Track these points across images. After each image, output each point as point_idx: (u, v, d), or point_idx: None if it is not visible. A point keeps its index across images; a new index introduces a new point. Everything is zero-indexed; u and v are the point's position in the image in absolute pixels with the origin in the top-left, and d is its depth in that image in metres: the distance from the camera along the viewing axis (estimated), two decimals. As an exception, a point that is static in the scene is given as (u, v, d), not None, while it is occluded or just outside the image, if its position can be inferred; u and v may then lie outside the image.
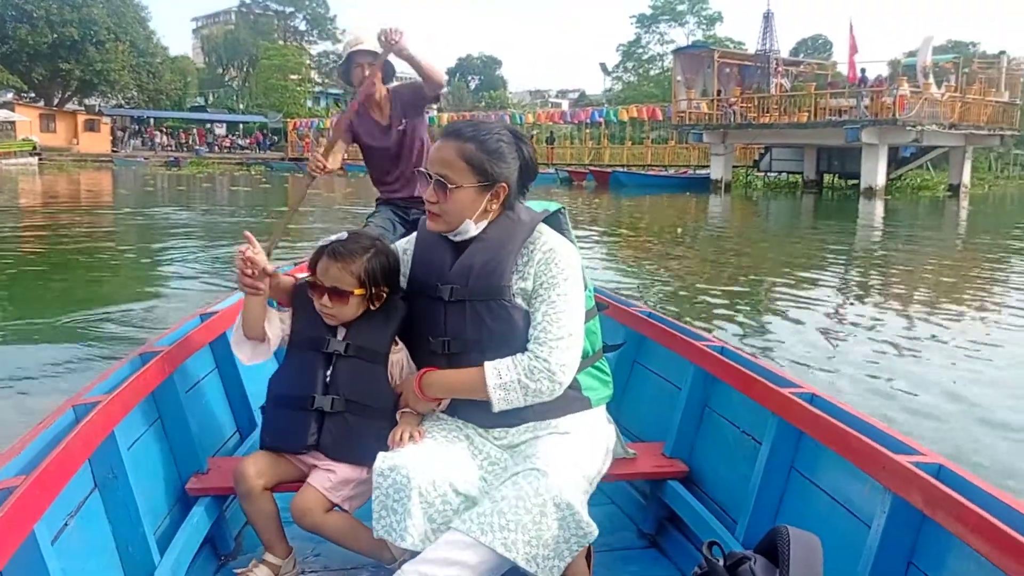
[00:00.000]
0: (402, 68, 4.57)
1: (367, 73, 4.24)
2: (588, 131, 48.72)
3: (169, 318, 6.73)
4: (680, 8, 69.29)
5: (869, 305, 9.24)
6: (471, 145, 2.01)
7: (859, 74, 29.81)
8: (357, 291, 2.15)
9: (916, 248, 15.41)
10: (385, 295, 2.20)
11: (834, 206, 27.27)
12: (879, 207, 25.37)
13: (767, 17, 34.70)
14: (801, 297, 9.37)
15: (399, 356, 2.26)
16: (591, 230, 16.93)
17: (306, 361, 2.22)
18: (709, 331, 5.84)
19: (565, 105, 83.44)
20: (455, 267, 2.08)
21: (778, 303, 9.01)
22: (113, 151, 57.69)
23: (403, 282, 2.24)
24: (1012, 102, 31.83)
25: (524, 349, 2.04)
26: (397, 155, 4.43)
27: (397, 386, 2.23)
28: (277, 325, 2.29)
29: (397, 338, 2.24)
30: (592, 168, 39.58)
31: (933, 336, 7.30)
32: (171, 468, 2.46)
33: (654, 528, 2.70)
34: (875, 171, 28.40)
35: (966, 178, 32.43)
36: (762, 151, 37.18)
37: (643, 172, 39.21)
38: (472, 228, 2.07)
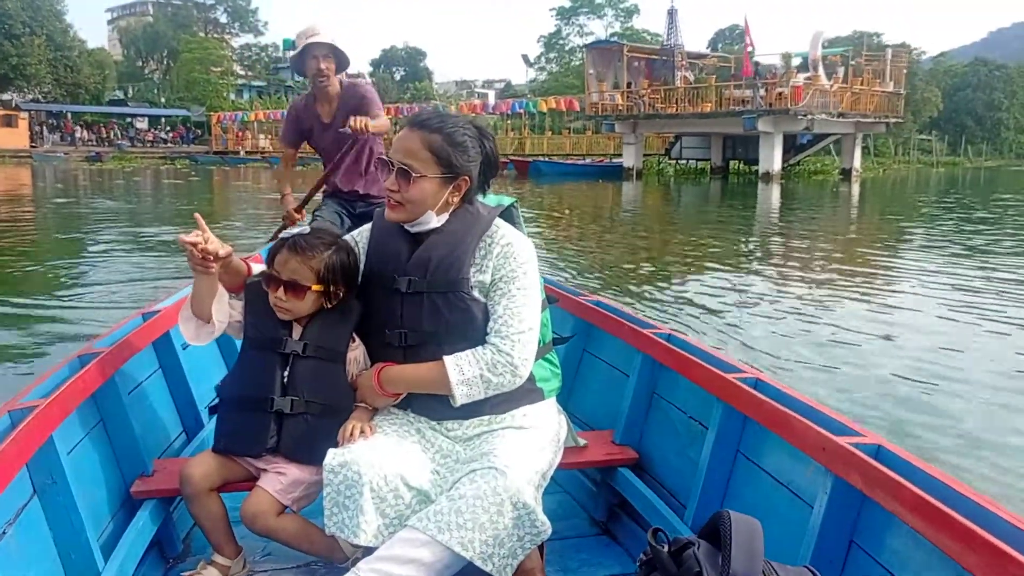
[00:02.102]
0: (355, 67, 5.25)
1: (322, 66, 4.25)
2: (509, 122, 50.36)
3: (109, 315, 6.75)
4: (598, 1, 71.35)
5: (763, 279, 9.83)
6: (437, 136, 2.00)
7: (753, 67, 32.04)
8: (315, 287, 2.11)
9: (805, 226, 17.23)
10: (342, 295, 2.17)
11: (738, 190, 29.39)
12: (776, 191, 27.61)
13: (671, 13, 36.97)
14: (704, 273, 10.10)
15: (356, 353, 2.19)
16: (531, 214, 18.30)
17: (262, 362, 2.17)
18: (633, 307, 6.81)
19: (492, 95, 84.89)
20: (413, 259, 2.07)
21: (683, 279, 9.69)
22: (32, 146, 56.65)
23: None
24: (897, 92, 34.56)
25: (480, 342, 2.04)
26: (337, 152, 4.43)
27: (353, 380, 2.18)
28: (225, 310, 2.23)
29: (354, 334, 2.19)
30: (512, 157, 41.21)
31: (820, 303, 8.11)
32: (115, 471, 2.39)
33: (605, 515, 2.71)
34: (771, 157, 30.76)
35: (857, 163, 35.27)
36: (672, 140, 39.40)
37: (562, 161, 41.11)
38: (433, 220, 2.07)
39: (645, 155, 39.20)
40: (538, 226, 15.90)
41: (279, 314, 2.15)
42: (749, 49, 32.27)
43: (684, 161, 39.62)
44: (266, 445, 2.14)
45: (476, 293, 2.05)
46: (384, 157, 2.08)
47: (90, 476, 2.26)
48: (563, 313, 3.23)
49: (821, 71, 31.06)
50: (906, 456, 1.73)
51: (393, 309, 2.09)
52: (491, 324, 2.04)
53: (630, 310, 3.17)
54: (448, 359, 2.00)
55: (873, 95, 32.87)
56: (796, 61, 32.62)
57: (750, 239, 14.64)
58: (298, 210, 4.56)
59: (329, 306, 2.17)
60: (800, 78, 30.15)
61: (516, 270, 2.06)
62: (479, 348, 2.02)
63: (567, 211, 20.63)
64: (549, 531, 1.90)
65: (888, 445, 1.79)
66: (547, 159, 41.52)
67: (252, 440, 2.15)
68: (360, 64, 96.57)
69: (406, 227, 2.10)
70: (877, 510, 1.69)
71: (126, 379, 2.54)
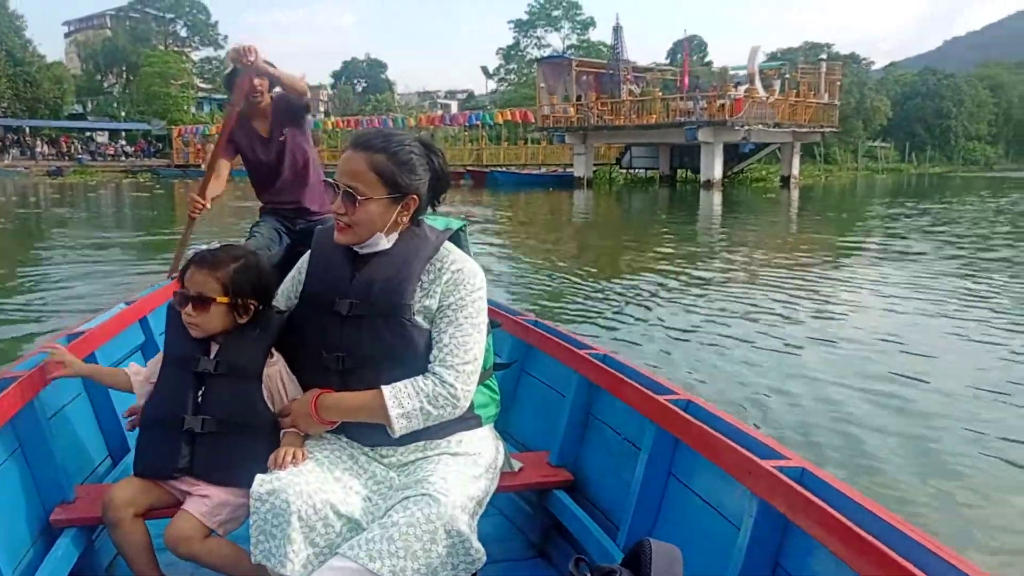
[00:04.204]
0: (286, 70, 4.19)
1: (256, 83, 4.18)
2: (467, 133, 51.58)
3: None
4: (555, 14, 72.90)
5: (693, 286, 10.07)
6: (381, 156, 1.97)
7: (694, 81, 33.63)
8: (221, 299, 2.09)
9: (738, 231, 18.49)
10: (254, 308, 2.14)
11: (683, 198, 30.79)
12: (717, 198, 29.10)
13: (617, 30, 38.37)
14: (637, 279, 10.52)
15: (273, 369, 2.14)
16: (473, 224, 19.28)
17: (176, 381, 2.14)
18: (578, 324, 7.29)
19: (454, 106, 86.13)
20: (356, 281, 2.03)
21: (615, 285, 10.08)
22: (-8, 162, 56.64)
23: (295, 296, 2.19)
24: (831, 103, 36.26)
25: (420, 369, 1.99)
26: (279, 165, 4.36)
27: (286, 406, 2.12)
28: (125, 381, 2.32)
29: (273, 350, 2.15)
30: (470, 168, 42.39)
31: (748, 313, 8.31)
32: (34, 499, 2.33)
33: (541, 538, 2.70)
34: (712, 166, 32.32)
35: (795, 170, 37.00)
36: (623, 150, 40.81)
37: (518, 171, 42.43)
38: (383, 240, 2.03)
39: (598, 164, 40.76)
40: (495, 233, 16.97)
41: (191, 331, 2.13)
42: (701, 67, 33.66)
43: (634, 170, 41.11)
44: (177, 465, 2.10)
45: (420, 319, 2.01)
46: (329, 180, 2.05)
47: (6, 505, 2.21)
48: (503, 334, 3.16)
49: (758, 84, 32.70)
50: (830, 480, 1.74)
51: (332, 331, 2.04)
52: (435, 352, 1.99)
53: (568, 330, 3.15)
54: (387, 391, 1.95)
55: (808, 106, 34.52)
56: (742, 73, 34.16)
57: (685, 245, 15.46)
58: (200, 193, 4.34)
59: (242, 321, 2.14)
60: (740, 91, 31.75)
61: (465, 298, 2.02)
62: (420, 378, 1.97)
63: (521, 217, 21.86)
64: (484, 560, 1.88)
65: (813, 469, 1.80)
66: (504, 169, 42.83)
67: (164, 461, 2.11)
68: (321, 76, 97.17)
69: (356, 248, 2.06)
70: (799, 534, 1.70)
71: (46, 403, 2.48)
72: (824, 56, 43.86)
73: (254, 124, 4.37)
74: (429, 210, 2.15)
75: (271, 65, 4.08)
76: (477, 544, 1.87)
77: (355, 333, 2.02)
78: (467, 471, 2.02)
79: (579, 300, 8.96)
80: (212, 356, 2.14)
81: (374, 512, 1.93)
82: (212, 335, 2.15)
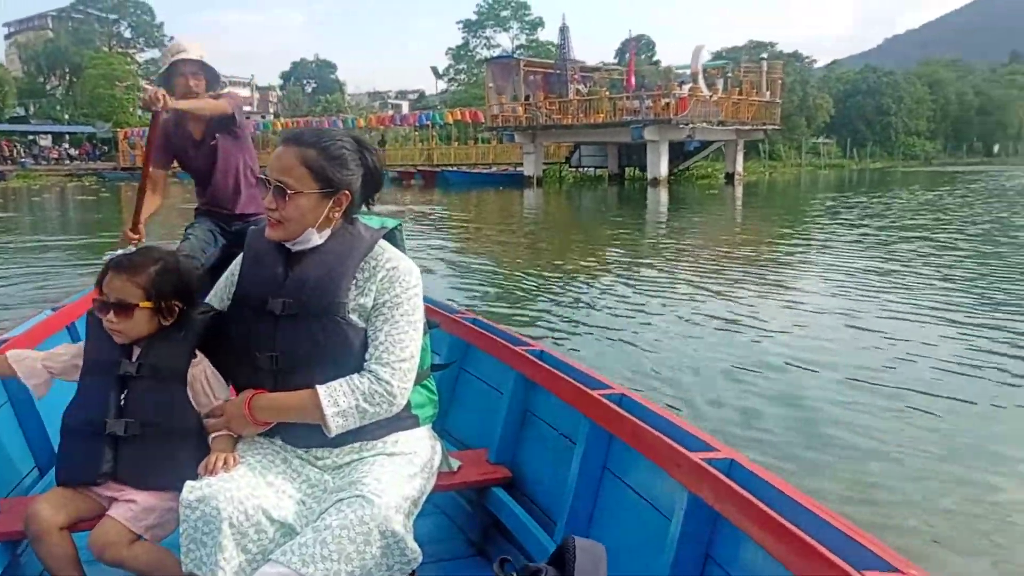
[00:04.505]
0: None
1: (191, 83, 4.08)
2: (417, 133, 51.74)
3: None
4: (504, 14, 73.30)
5: (638, 280, 10.36)
6: (312, 151, 1.97)
7: (639, 81, 34.29)
8: (143, 304, 2.05)
9: (684, 227, 19.08)
10: (179, 310, 2.11)
11: (630, 196, 31.41)
12: (663, 195, 29.72)
13: (563, 31, 38.92)
14: (585, 275, 10.80)
15: (197, 370, 2.10)
16: (422, 224, 19.58)
17: (98, 386, 2.08)
18: (523, 320, 7.45)
19: (405, 106, 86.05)
20: (289, 280, 2.01)
21: (560, 281, 10.44)
22: (-68, 167, 55.25)
23: (228, 297, 2.15)
24: (773, 101, 37.18)
25: (356, 368, 1.97)
26: (211, 168, 4.27)
27: (216, 407, 2.08)
28: (35, 371, 2.21)
29: (197, 351, 2.11)
30: (420, 168, 42.63)
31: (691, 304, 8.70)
32: None
33: (481, 536, 2.69)
34: (658, 164, 33.02)
35: (739, 167, 37.92)
36: (572, 148, 41.36)
37: (469, 170, 42.74)
38: (315, 237, 2.02)
39: (548, 163, 41.27)
40: (444, 231, 17.26)
41: (115, 338, 2.07)
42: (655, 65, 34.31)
43: (584, 168, 41.70)
44: (100, 470, 2.04)
45: (355, 317, 1.99)
46: (261, 176, 2.04)
47: None
48: (441, 332, 3.14)
49: (702, 83, 33.45)
50: (757, 471, 1.76)
51: (265, 332, 2.01)
52: (371, 351, 1.98)
53: (508, 328, 3.17)
54: (322, 389, 1.93)
55: (751, 104, 35.38)
56: (686, 72, 34.88)
57: (629, 242, 15.93)
58: (134, 228, 4.09)
59: (166, 323, 2.10)
60: (685, 90, 32.46)
61: (401, 295, 2.01)
62: (355, 376, 1.96)
63: (471, 216, 22.20)
64: (420, 559, 1.88)
65: (741, 460, 1.83)
66: (456, 169, 43.13)
67: (87, 466, 2.05)
68: (270, 77, 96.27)
69: (288, 246, 2.04)
70: (728, 526, 1.72)
71: None
72: (765, 56, 44.82)
73: (188, 127, 4.26)
74: (364, 209, 2.16)
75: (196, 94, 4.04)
76: (412, 544, 1.87)
77: (289, 333, 2.00)
78: (402, 471, 2.01)
79: (526, 298, 9.23)
80: (134, 359, 2.09)
81: (308, 516, 1.91)
82: (136, 340, 2.10)
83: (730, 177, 37.36)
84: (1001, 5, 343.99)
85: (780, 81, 38.63)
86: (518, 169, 39.72)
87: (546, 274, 10.87)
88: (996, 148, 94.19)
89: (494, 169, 42.96)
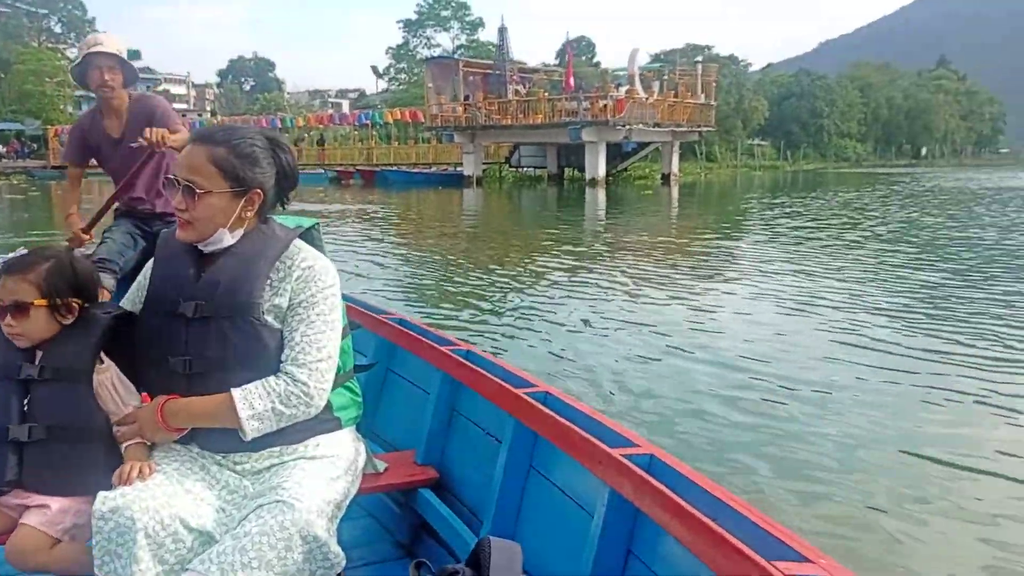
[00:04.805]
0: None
1: (106, 77, 3.94)
2: (357, 132, 51.55)
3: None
4: (444, 14, 73.27)
5: (574, 278, 10.57)
6: (222, 149, 1.94)
7: (578, 82, 34.73)
8: (38, 302, 1.99)
9: (619, 226, 19.47)
10: (78, 308, 2.05)
11: (569, 195, 31.81)
12: (601, 195, 30.17)
13: (502, 32, 39.23)
14: (517, 270, 11.22)
15: (104, 376, 2.02)
16: (360, 223, 19.73)
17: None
18: (458, 319, 7.56)
19: (346, 105, 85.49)
20: (201, 282, 1.97)
21: (495, 280, 10.64)
22: None
23: (140, 301, 2.10)
24: (708, 103, 37.96)
25: (273, 370, 1.93)
26: (128, 169, 4.08)
27: (127, 414, 2.00)
28: None
29: (104, 356, 2.04)
30: (359, 167, 42.48)
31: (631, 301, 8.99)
32: None
33: (409, 538, 2.70)
34: (596, 164, 33.48)
35: (675, 168, 38.68)
36: (512, 149, 41.65)
37: (409, 170, 42.76)
38: (227, 237, 1.98)
39: (488, 163, 41.55)
40: (381, 231, 17.34)
41: (16, 342, 2.01)
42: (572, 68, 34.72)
43: (523, 168, 42.04)
44: (5, 479, 1.96)
45: (271, 319, 1.95)
46: (169, 176, 1.99)
47: None
48: (366, 333, 3.20)
49: (638, 85, 34.00)
50: (677, 466, 1.77)
51: (177, 335, 1.95)
52: (287, 352, 1.94)
53: (434, 327, 3.17)
54: (236, 392, 1.88)
55: (686, 107, 36.08)
56: (624, 74, 35.42)
57: (565, 240, 16.11)
58: (86, 230, 4.11)
59: (66, 322, 2.03)
60: (621, 91, 32.98)
61: (317, 295, 1.97)
62: (271, 379, 1.91)
63: (410, 215, 22.27)
64: (343, 563, 1.87)
65: (661, 455, 1.83)
66: (396, 168, 43.13)
67: None
68: (206, 75, 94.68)
69: (200, 247, 2.00)
70: (648, 522, 1.73)
71: None
72: (700, 58, 45.72)
73: (105, 124, 4.12)
74: (280, 209, 2.12)
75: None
76: (336, 548, 1.85)
77: (202, 336, 1.94)
78: (324, 474, 1.98)
79: (461, 297, 9.35)
80: (36, 362, 2.01)
81: (228, 523, 1.87)
82: (38, 342, 2.03)
83: (666, 178, 38.08)
84: (929, 12, 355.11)
85: (714, 84, 39.47)
86: (458, 169, 39.84)
87: (482, 274, 11.03)
88: (924, 151, 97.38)
89: (434, 169, 43.03)
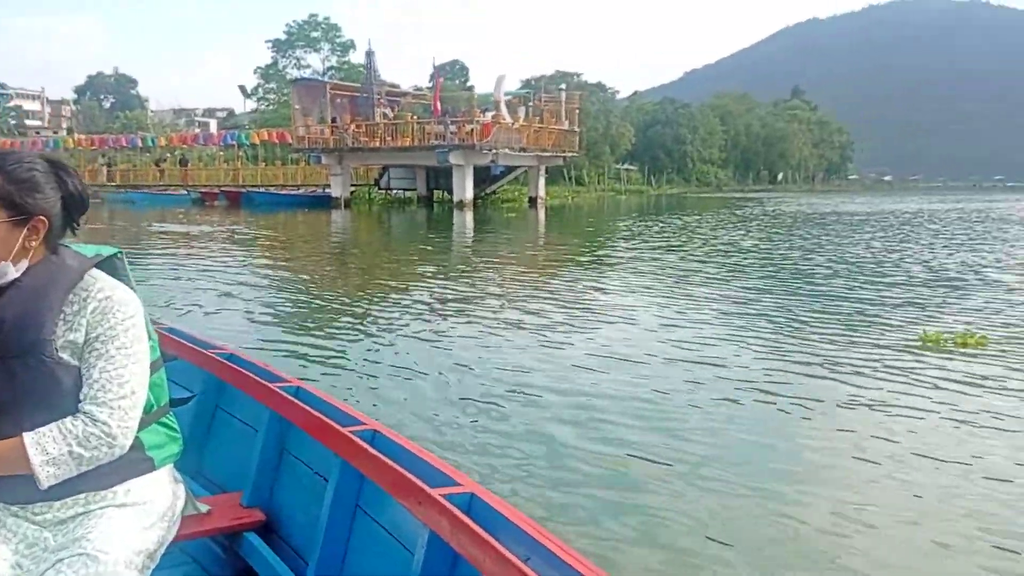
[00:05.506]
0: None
1: None
2: (223, 153, 50.52)
3: None
4: (315, 35, 72.62)
5: (432, 303, 10.56)
6: None
7: (445, 107, 35.29)
8: None
9: (484, 247, 19.82)
10: None
11: (438, 218, 32.11)
12: (469, 217, 30.69)
13: (369, 55, 39.41)
14: (373, 295, 11.38)
15: None
16: (217, 245, 19.34)
17: None
18: (307, 350, 7.39)
19: (213, 124, 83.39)
20: None
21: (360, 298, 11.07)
22: None
23: None
24: (572, 129, 39.21)
25: (72, 411, 1.80)
26: None
27: None
28: None
29: None
30: (224, 188, 41.67)
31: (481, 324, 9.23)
32: None
33: None
34: (464, 187, 34.01)
35: (541, 191, 39.73)
36: (382, 171, 41.75)
37: (276, 191, 42.30)
38: (11, 270, 1.82)
39: (358, 185, 41.61)
40: (241, 254, 17.11)
41: None
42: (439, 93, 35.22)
43: (393, 191, 42.22)
44: None
45: (66, 355, 1.80)
46: None
47: None
48: (192, 368, 3.09)
49: (504, 110, 34.80)
50: (497, 505, 1.75)
51: None
52: (85, 390, 1.80)
53: (264, 362, 3.06)
54: (28, 437, 1.74)
55: (551, 132, 37.17)
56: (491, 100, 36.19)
57: (428, 263, 16.46)
58: None
59: None
60: (488, 116, 33.70)
61: (116, 327, 1.83)
62: (67, 420, 1.78)
63: (279, 237, 22.07)
64: None
65: (482, 494, 1.81)
66: (264, 190, 42.61)
67: None
68: (63, 90, 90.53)
69: None
70: (464, 563, 1.69)
71: None
72: (563, 86, 47.10)
73: None
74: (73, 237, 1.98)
75: None
76: None
77: None
78: (135, 522, 1.86)
79: (312, 325, 9.23)
80: None
81: None
82: None
83: (533, 201, 39.07)
84: (784, 45, 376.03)
85: (577, 110, 40.75)
86: (327, 191, 39.68)
87: (340, 298, 11.07)
88: (780, 176, 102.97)
89: (302, 191, 42.70)
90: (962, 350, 7.31)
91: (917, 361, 6.93)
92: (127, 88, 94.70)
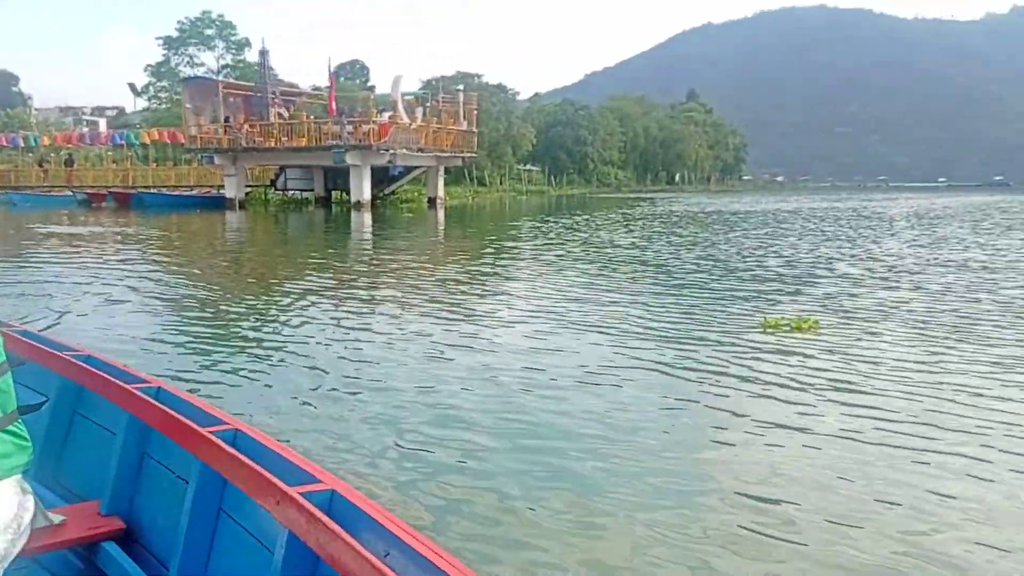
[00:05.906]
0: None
1: None
2: (112, 153, 48.80)
3: None
4: (208, 32, 70.71)
5: (316, 301, 10.54)
6: None
7: (341, 107, 35.06)
8: None
9: (382, 248, 19.78)
10: None
11: (336, 218, 31.91)
12: (367, 217, 30.60)
13: (263, 54, 38.77)
14: (260, 295, 11.32)
15: None
16: (110, 246, 18.75)
17: None
18: (186, 351, 7.25)
19: (103, 123, 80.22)
20: None
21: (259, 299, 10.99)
22: None
23: None
24: (470, 130, 39.44)
25: None
26: None
27: None
28: None
29: None
30: (112, 190, 40.32)
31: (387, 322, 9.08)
32: None
33: None
34: (361, 187, 33.83)
35: (440, 191, 39.88)
36: (278, 171, 41.10)
37: (168, 192, 41.18)
38: None
39: (253, 185, 40.86)
40: (127, 255, 16.74)
41: None
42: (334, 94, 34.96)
43: (290, 191, 41.62)
44: None
45: None
46: None
47: None
48: (45, 372, 2.96)
49: (401, 110, 34.78)
50: (357, 501, 1.73)
51: None
52: None
53: (124, 363, 2.97)
54: None
55: (449, 132, 37.32)
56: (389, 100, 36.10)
57: (323, 261, 16.32)
58: None
59: None
60: (385, 116, 33.62)
61: None
62: None
63: (172, 239, 21.54)
64: None
65: (344, 490, 1.79)
66: (157, 191, 41.42)
67: None
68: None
69: None
70: (324, 565, 1.67)
71: None
72: (462, 87, 47.31)
73: None
74: None
75: None
76: None
77: None
78: None
79: (181, 326, 9.12)
80: None
81: None
82: None
83: (432, 201, 39.15)
84: (681, 49, 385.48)
85: (475, 111, 40.99)
86: (220, 192, 38.84)
87: (225, 299, 10.99)
88: (677, 177, 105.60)
89: (195, 192, 41.69)
90: (796, 334, 8.07)
91: (753, 344, 7.66)
92: (7, 85, 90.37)
